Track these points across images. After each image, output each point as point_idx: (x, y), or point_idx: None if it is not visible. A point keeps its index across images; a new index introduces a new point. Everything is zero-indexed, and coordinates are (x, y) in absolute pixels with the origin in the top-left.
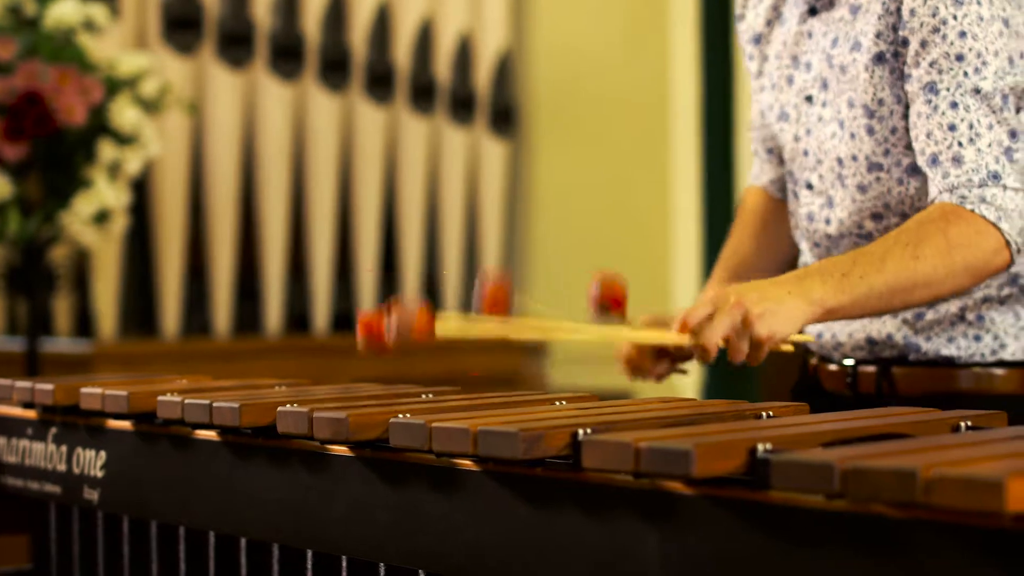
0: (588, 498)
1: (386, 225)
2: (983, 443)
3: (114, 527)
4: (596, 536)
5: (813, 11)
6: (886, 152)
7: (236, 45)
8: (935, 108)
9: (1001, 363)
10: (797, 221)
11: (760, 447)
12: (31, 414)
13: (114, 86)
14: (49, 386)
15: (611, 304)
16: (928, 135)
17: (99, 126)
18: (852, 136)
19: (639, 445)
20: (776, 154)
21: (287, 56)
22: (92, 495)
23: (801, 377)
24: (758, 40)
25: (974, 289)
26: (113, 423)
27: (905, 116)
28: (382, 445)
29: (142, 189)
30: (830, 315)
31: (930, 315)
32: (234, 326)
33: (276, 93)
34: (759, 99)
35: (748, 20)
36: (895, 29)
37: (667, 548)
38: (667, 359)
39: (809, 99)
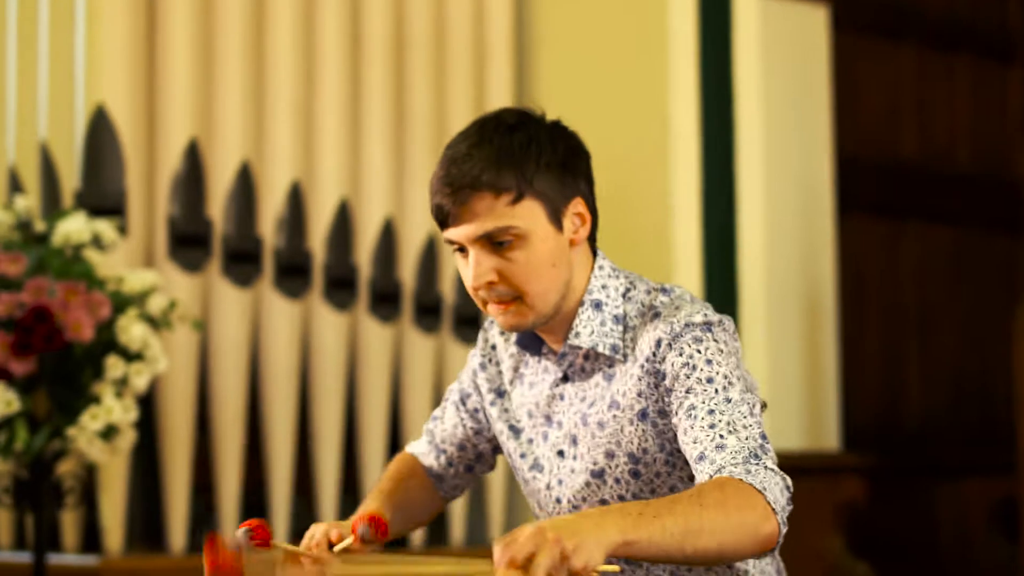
0: None
1: (391, 442)
2: None
3: None
4: None
5: (566, 378)
6: (652, 491)
7: (242, 262)
8: (695, 419)
9: None
10: None
11: None
12: None
13: (122, 302)
14: None
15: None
16: (694, 441)
17: (107, 342)
18: (617, 481)
19: None
20: (448, 458)
21: (293, 274)
22: None
23: None
24: (501, 395)
25: None
26: None
27: (667, 462)
28: None
29: (149, 404)
30: (628, 547)
31: None
32: None
33: (282, 310)
34: (493, 432)
35: (489, 373)
36: (656, 386)
37: None
38: None
39: (560, 453)
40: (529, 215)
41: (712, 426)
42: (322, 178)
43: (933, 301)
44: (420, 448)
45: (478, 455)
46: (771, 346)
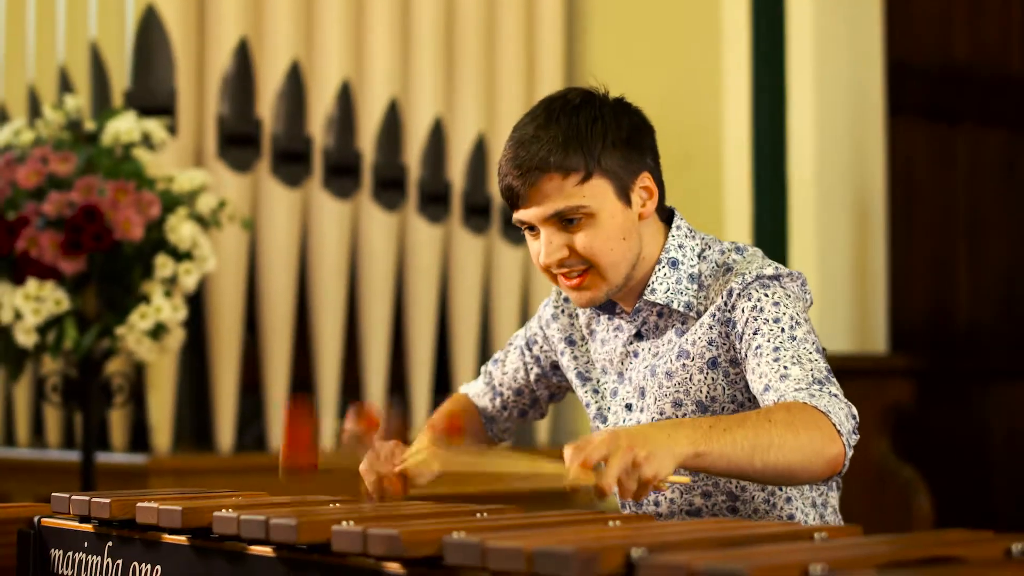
0: None
1: (439, 340)
2: None
3: None
4: None
5: (639, 336)
6: None
7: (292, 162)
8: (761, 355)
9: None
10: None
11: (813, 569)
12: (88, 527)
13: (171, 202)
14: (106, 500)
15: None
16: (760, 376)
17: (156, 241)
18: None
19: (693, 566)
20: (503, 401)
21: (342, 174)
22: None
23: None
24: (573, 343)
25: None
26: (169, 537)
27: (735, 412)
28: (437, 563)
29: (198, 303)
30: (699, 459)
31: None
32: None
33: (331, 210)
34: (558, 380)
35: (562, 323)
36: (727, 335)
37: None
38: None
39: (628, 407)
40: (598, 193)
41: (777, 360)
42: (372, 78)
43: (984, 204)
44: (476, 389)
45: (534, 400)
46: (820, 248)
